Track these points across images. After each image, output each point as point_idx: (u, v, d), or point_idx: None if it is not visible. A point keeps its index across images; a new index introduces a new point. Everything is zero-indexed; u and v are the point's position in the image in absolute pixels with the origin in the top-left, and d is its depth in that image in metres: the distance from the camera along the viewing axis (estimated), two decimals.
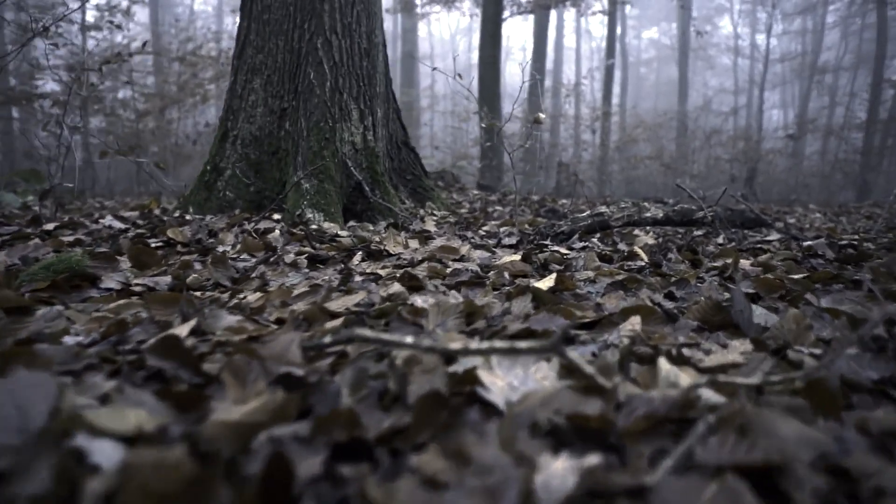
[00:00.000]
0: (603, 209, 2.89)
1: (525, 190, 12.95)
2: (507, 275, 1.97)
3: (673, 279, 1.84)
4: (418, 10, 16.86)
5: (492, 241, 2.57)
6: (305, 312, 1.42)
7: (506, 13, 13.85)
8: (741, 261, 2.20)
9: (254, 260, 2.18)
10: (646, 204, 2.93)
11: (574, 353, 0.85)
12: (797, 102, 27.20)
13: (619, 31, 27.28)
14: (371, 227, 2.89)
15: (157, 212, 3.31)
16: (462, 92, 17.70)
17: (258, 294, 1.68)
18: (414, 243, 2.42)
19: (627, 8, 30.64)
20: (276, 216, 2.94)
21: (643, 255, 2.27)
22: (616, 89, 25.59)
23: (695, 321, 1.34)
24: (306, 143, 3.22)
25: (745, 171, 12.62)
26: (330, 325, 1.32)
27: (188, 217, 3.06)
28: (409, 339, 0.85)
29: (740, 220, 3.24)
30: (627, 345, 1.12)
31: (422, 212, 3.52)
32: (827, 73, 26.36)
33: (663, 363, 0.94)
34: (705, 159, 14.91)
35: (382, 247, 2.30)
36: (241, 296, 1.70)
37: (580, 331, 1.29)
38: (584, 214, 2.83)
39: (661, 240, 2.81)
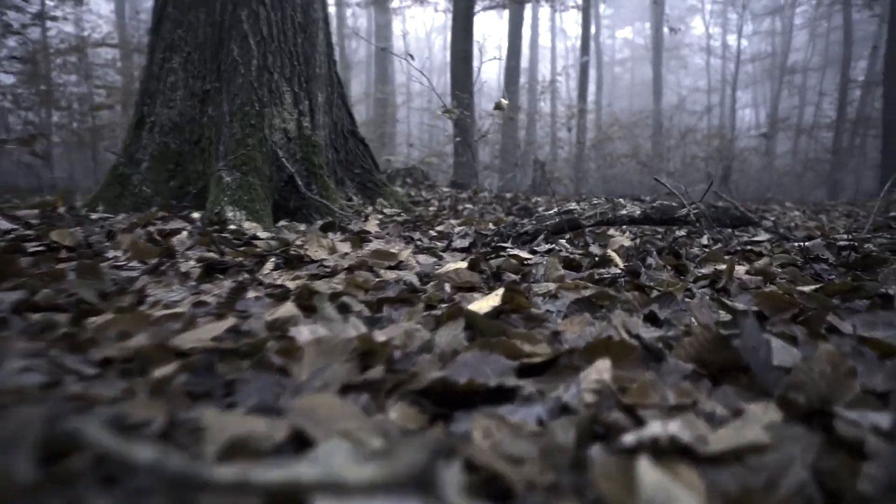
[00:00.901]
0: (573, 206, 2.49)
1: (500, 188, 12.58)
2: (448, 287, 1.55)
3: (655, 293, 1.44)
4: (392, 3, 16.37)
5: (442, 244, 2.16)
6: (144, 350, 0.99)
7: (478, 7, 13.43)
8: (735, 267, 1.80)
9: (139, 270, 1.74)
10: (621, 201, 2.53)
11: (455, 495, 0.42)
12: (768, 102, 27.19)
13: (593, 29, 27.03)
14: (301, 228, 2.46)
15: (61, 210, 2.84)
16: (438, 88, 17.29)
17: (110, 316, 1.25)
18: (345, 247, 1.99)
19: (602, 7, 30.44)
20: (196, 214, 2.50)
21: (618, 261, 1.86)
22: (591, 88, 25.32)
23: (688, 362, 0.93)
24: (229, 129, 2.76)
25: (721, 169, 12.36)
26: (165, 369, 0.90)
27: (94, 216, 2.60)
28: (144, 455, 0.42)
29: (725, 218, 2.86)
30: (589, 415, 0.71)
31: (370, 209, 3.10)
32: (796, 74, 26.37)
33: (645, 470, 0.53)
34: (681, 157, 14.66)
35: (303, 251, 1.87)
36: (93, 320, 1.27)
37: (524, 379, 0.88)
38: (552, 212, 2.42)
39: (638, 241, 2.42)
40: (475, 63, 11.91)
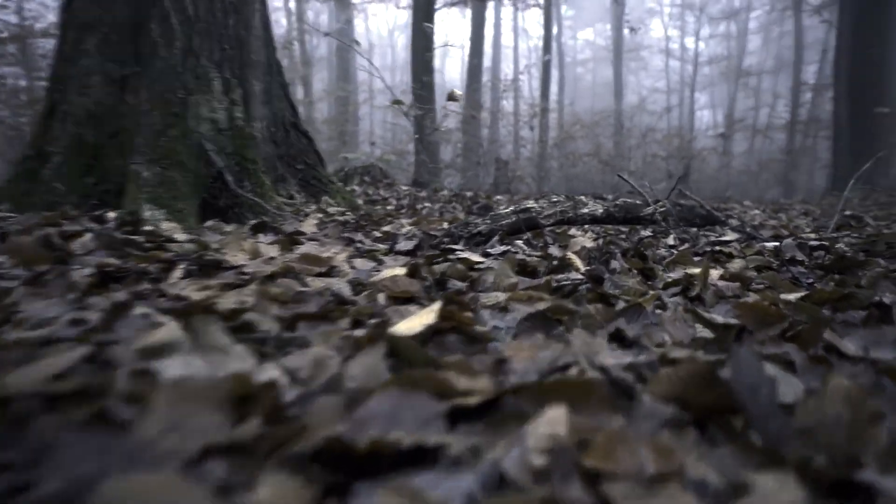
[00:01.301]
0: (531, 204, 2.28)
1: (461, 186, 12.39)
2: (382, 298, 1.32)
3: (621, 304, 1.23)
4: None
5: (384, 246, 1.92)
6: None
7: (439, 3, 13.20)
8: (709, 271, 1.61)
9: (20, 279, 1.46)
10: (583, 199, 2.33)
11: None
12: (725, 103, 27.64)
13: (555, 30, 27.06)
14: (228, 228, 2.19)
15: None
16: (400, 87, 17.02)
17: None
18: (272, 250, 1.74)
19: (563, 8, 30.54)
20: (112, 214, 2.21)
21: (579, 264, 1.66)
22: (553, 88, 25.33)
23: (667, 401, 0.72)
24: (148, 119, 2.47)
25: (681, 168, 12.39)
26: None
27: None
28: None
29: (691, 216, 2.69)
30: (536, 498, 0.49)
31: (313, 208, 2.84)
32: (751, 76, 26.85)
33: None
34: (642, 156, 14.69)
35: (222, 256, 1.61)
36: None
37: (454, 432, 0.66)
38: (508, 210, 2.21)
39: (601, 242, 2.23)
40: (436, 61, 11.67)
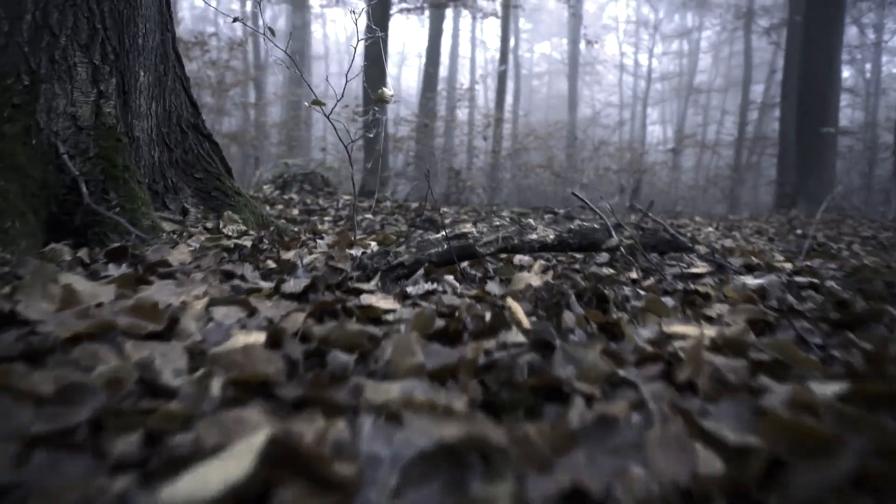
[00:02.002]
0: (468, 229, 1.83)
1: (411, 196, 11.93)
2: (218, 386, 0.85)
3: (577, 407, 0.79)
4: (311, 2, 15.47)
5: (269, 285, 1.44)
6: None
7: (394, 9, 12.76)
8: (687, 331, 1.20)
9: None
10: (531, 222, 1.90)
11: None
12: (675, 119, 28.01)
13: (512, 42, 26.96)
14: (67, 257, 1.67)
15: None
16: (354, 93, 16.45)
17: None
18: (104, 293, 1.24)
19: (521, 21, 30.50)
20: None
21: (521, 317, 1.22)
22: (509, 99, 25.18)
23: None
24: None
25: (632, 181, 12.23)
26: None
27: None
28: None
29: (654, 242, 2.29)
30: None
31: (208, 225, 2.31)
32: (701, 94, 27.30)
33: None
34: (594, 169, 14.52)
35: (13, 304, 1.11)
36: None
37: None
38: (438, 236, 1.76)
39: (552, 274, 1.80)
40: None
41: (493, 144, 14.82)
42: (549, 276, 1.75)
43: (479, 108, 21.10)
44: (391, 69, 35.05)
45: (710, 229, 6.29)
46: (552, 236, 1.86)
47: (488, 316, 1.19)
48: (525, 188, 15.39)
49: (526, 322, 1.21)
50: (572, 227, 1.95)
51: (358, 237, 2.73)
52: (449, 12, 28.27)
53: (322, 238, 2.66)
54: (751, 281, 1.91)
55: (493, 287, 1.62)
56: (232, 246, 1.85)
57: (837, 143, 12.33)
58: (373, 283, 1.54)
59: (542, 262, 2.10)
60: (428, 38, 17.68)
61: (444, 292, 1.52)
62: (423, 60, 18.29)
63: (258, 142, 16.46)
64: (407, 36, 35.30)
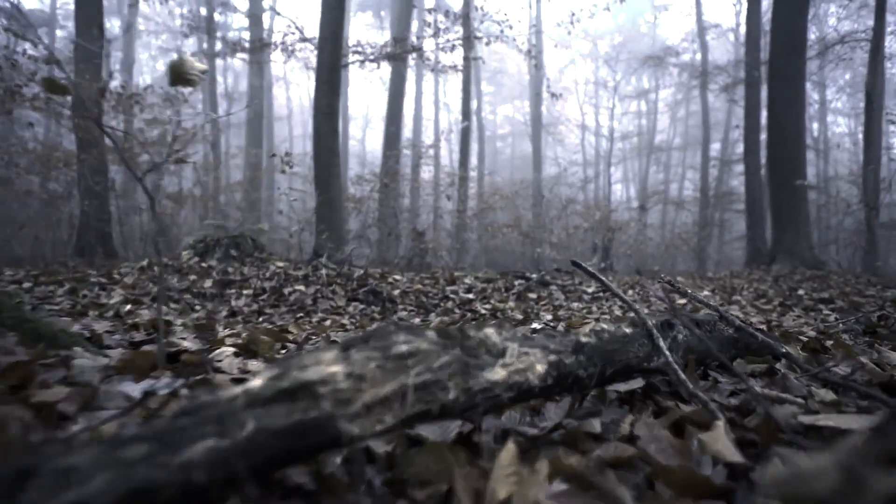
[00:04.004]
0: (327, 368, 0.73)
1: (375, 258, 10.84)
2: None
3: None
4: (244, 56, 14.66)
5: None
6: None
7: (350, 58, 11.98)
8: None
9: None
10: (491, 337, 0.83)
11: None
12: (638, 177, 27.81)
13: (475, 104, 26.72)
14: None
15: None
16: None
17: None
18: None
19: (483, 84, 30.46)
20: None
21: None
22: (473, 160, 24.67)
23: None
24: None
25: (603, 240, 11.38)
26: None
27: None
28: None
29: (729, 348, 1.22)
30: None
31: None
32: (662, 152, 27.24)
33: None
34: (563, 228, 13.68)
35: None
36: None
37: None
38: (238, 398, 0.66)
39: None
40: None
41: (457, 204, 13.95)
42: None
43: (443, 168, 20.40)
44: (355, 132, 34.56)
45: (707, 293, 5.27)
46: (541, 368, 0.78)
47: None
48: (492, 249, 14.45)
49: None
50: (584, 338, 0.87)
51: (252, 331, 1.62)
52: (411, 75, 28.05)
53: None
54: None
55: None
56: None
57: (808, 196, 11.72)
58: None
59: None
60: (388, 95, 17.04)
61: None
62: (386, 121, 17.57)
63: (213, 203, 15.33)
64: (371, 98, 35.07)
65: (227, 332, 2.16)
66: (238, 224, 6.80)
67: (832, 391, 1.13)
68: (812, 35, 15.61)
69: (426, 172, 19.97)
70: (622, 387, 1.12)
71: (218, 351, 1.47)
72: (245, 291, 4.43)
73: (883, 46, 12.60)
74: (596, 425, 0.89)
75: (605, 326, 0.96)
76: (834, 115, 29.76)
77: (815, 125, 25.83)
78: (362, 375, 0.67)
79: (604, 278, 1.20)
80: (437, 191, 17.12)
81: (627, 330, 0.99)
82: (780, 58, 10.78)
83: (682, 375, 0.95)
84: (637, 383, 1.13)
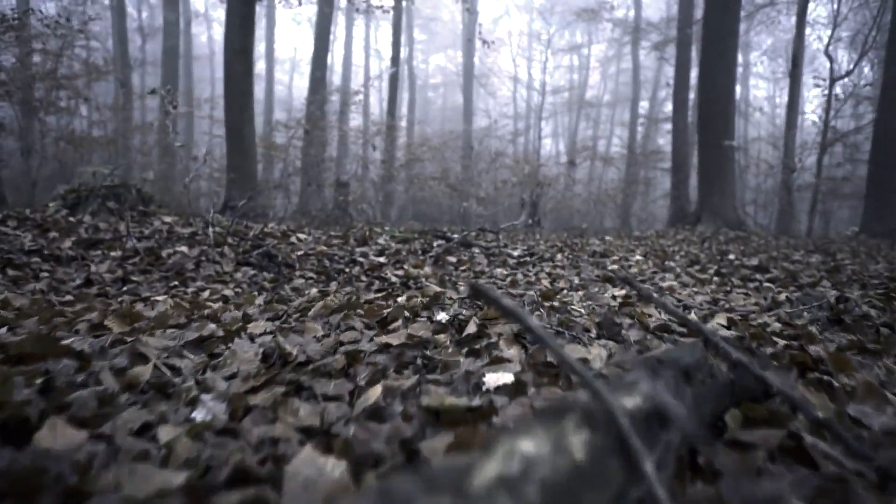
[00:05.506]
0: None
1: (296, 210, 9.99)
2: None
3: None
4: None
5: None
6: None
7: None
8: None
9: None
10: None
11: None
12: (568, 133, 27.61)
13: (406, 52, 25.50)
14: None
15: None
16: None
17: None
18: None
19: (416, 32, 29.13)
20: None
21: None
22: (403, 110, 23.65)
23: None
24: None
25: (532, 195, 10.96)
26: None
27: None
28: None
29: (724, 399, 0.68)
30: None
31: None
32: (592, 108, 27.04)
33: None
34: (492, 182, 13.17)
35: None
36: None
37: None
38: None
39: None
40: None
41: (384, 154, 13.14)
42: None
43: (372, 117, 19.35)
44: (282, 76, 32.51)
45: (639, 258, 4.86)
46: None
47: None
48: (419, 201, 13.82)
49: None
50: None
51: None
52: (342, 19, 26.38)
53: None
54: None
55: None
56: None
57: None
58: None
59: None
60: (314, 38, 15.77)
61: None
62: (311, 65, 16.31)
63: (115, 147, 13.84)
64: (299, 42, 33.02)
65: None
66: (119, 170, 5.84)
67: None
68: None
69: (354, 121, 18.91)
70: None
71: None
72: (113, 253, 3.66)
73: (806, 11, 12.53)
74: None
75: (529, 449, 0.39)
76: (755, 79, 30.37)
77: (738, 87, 26.27)
78: None
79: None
80: (366, 139, 16.19)
81: (578, 454, 0.43)
82: (715, 14, 10.45)
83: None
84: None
